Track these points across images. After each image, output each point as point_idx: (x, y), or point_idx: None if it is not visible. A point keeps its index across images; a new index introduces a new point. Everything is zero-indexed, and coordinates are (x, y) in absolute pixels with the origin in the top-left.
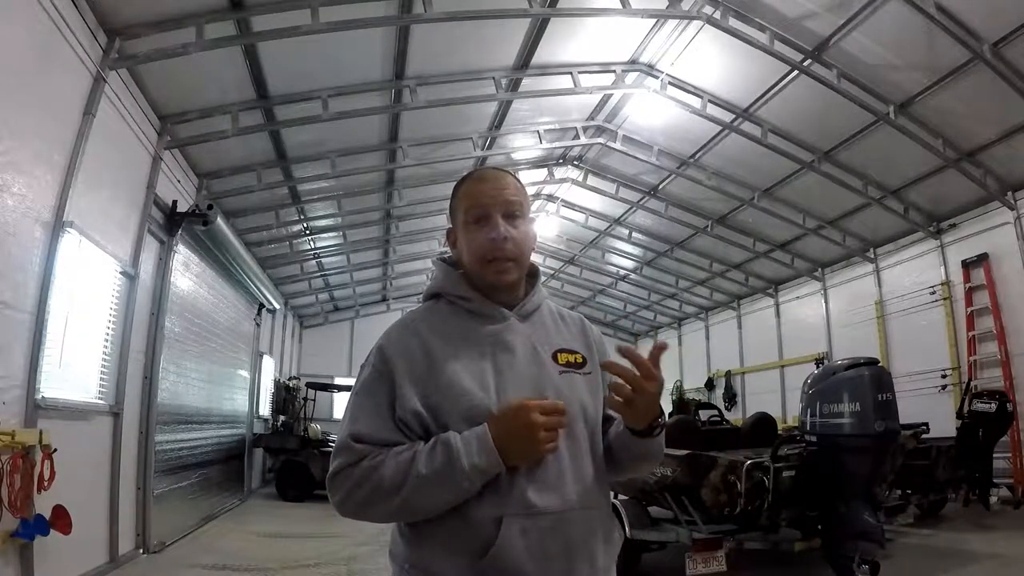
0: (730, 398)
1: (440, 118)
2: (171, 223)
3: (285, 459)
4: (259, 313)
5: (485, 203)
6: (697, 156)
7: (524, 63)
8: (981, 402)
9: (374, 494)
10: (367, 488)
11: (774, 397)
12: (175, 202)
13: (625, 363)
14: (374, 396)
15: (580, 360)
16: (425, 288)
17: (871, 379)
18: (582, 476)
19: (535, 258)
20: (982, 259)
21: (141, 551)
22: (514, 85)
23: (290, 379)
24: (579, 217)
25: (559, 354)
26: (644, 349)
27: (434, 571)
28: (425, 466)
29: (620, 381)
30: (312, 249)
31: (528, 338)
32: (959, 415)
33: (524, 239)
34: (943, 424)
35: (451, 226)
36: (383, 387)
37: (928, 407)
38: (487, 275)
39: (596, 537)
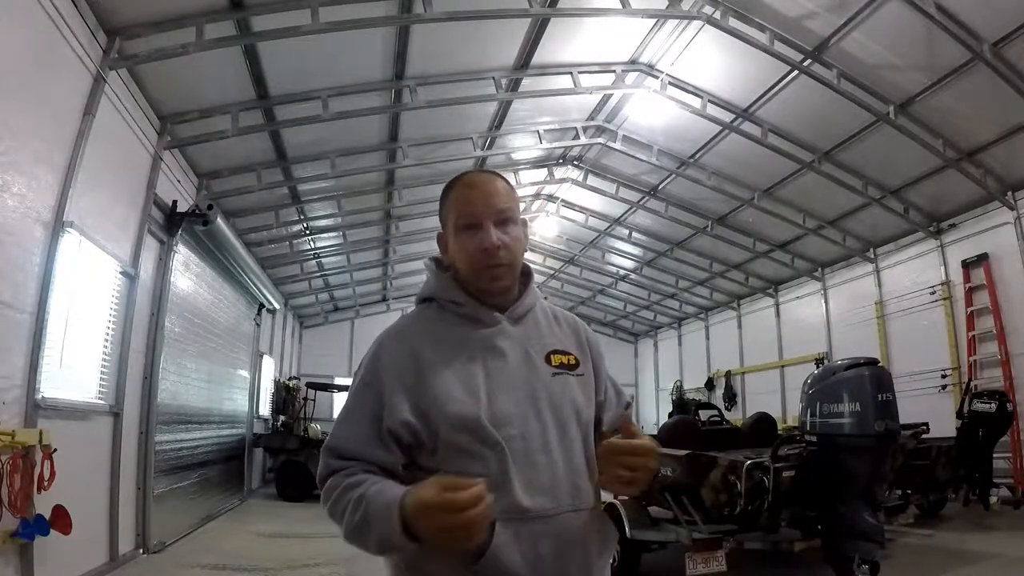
0: (730, 398)
1: (440, 118)
2: (171, 223)
3: (285, 459)
4: (259, 313)
5: (476, 211)
6: (697, 156)
7: (524, 63)
8: (981, 402)
9: (332, 515)
10: (329, 506)
11: (774, 397)
12: (175, 202)
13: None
14: (356, 408)
15: (573, 361)
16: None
17: (871, 379)
18: (575, 477)
19: (535, 259)
20: (982, 259)
21: (141, 551)
22: (514, 85)
23: (290, 379)
24: (579, 217)
25: (552, 355)
26: (644, 349)
27: (428, 572)
28: (349, 520)
29: (624, 472)
30: (312, 249)
31: (520, 341)
32: (959, 415)
33: (516, 244)
34: (943, 424)
35: (442, 229)
36: (367, 399)
37: (928, 407)
38: (481, 281)
39: (589, 538)
